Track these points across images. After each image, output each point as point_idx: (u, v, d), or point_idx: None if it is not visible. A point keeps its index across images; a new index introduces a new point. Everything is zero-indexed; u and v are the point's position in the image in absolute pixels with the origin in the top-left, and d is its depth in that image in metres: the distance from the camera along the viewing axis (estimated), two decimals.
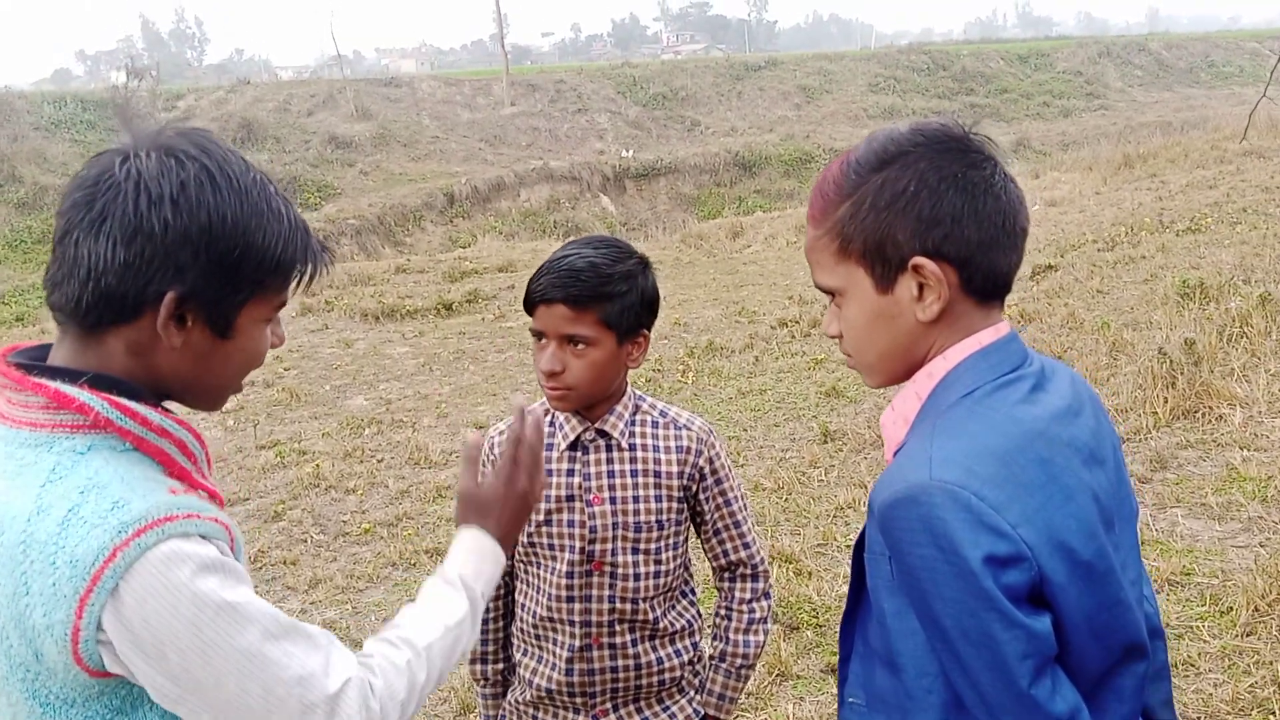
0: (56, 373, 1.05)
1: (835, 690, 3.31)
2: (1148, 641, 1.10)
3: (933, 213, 1.08)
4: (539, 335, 1.70)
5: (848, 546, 4.35)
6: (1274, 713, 2.87)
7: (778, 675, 3.40)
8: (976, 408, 1.07)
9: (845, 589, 3.94)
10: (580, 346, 1.66)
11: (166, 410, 1.09)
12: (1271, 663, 3.08)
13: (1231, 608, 3.40)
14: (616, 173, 28.07)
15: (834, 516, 4.67)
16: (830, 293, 1.18)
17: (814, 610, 3.81)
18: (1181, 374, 5.23)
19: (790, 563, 4.20)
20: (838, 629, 3.73)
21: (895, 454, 1.14)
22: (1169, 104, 37.13)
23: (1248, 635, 3.26)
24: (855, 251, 1.12)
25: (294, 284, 1.14)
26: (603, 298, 1.65)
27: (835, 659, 3.46)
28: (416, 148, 29.27)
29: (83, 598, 0.95)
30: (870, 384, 1.22)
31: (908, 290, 1.11)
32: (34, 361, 1.08)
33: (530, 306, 1.70)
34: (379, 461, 5.99)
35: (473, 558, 1.28)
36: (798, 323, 8.27)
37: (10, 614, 0.99)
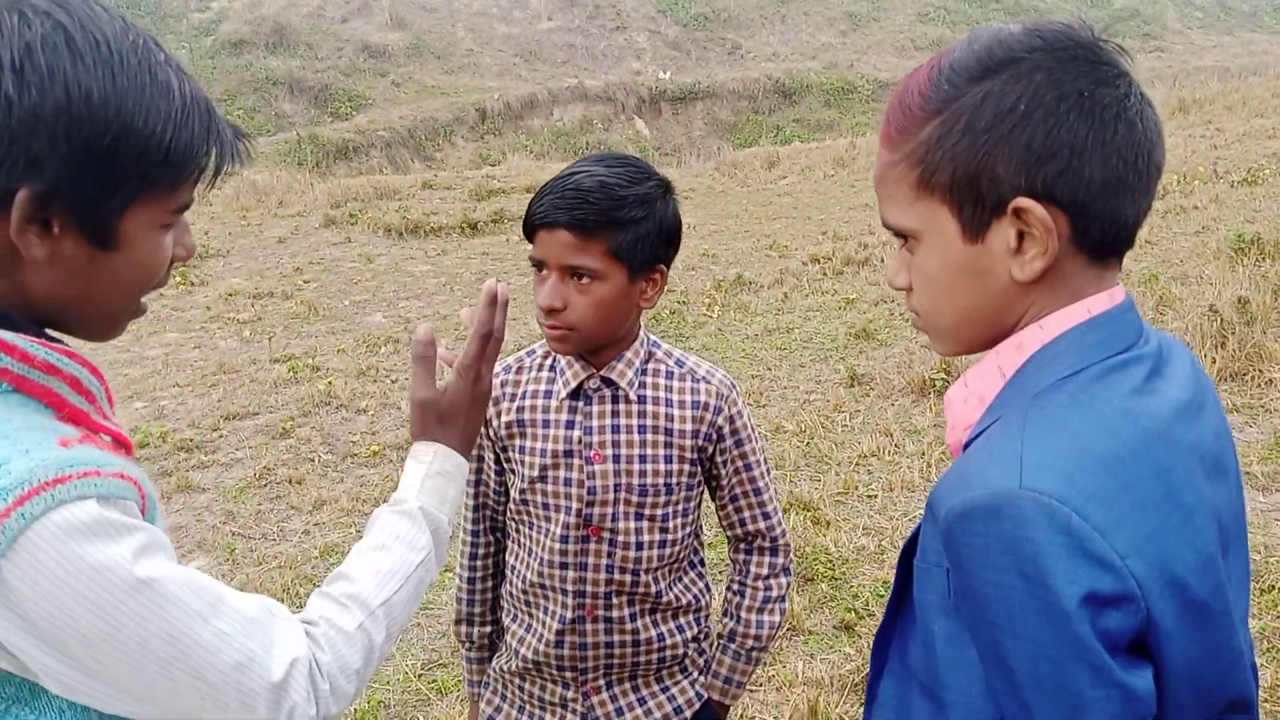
0: None
1: (848, 649, 3.17)
2: (1254, 695, 0.89)
3: (1047, 141, 0.84)
4: (539, 265, 1.47)
5: (869, 496, 4.19)
6: None
7: (789, 629, 3.26)
8: (1081, 396, 0.84)
9: (864, 540, 3.82)
10: (585, 280, 1.43)
11: (52, 341, 0.89)
12: None
13: (1274, 586, 3.21)
14: (652, 95, 27.46)
15: (856, 464, 4.50)
16: (901, 234, 0.94)
17: (830, 562, 3.66)
18: (1232, 334, 4.98)
19: (808, 510, 4.04)
20: (854, 582, 3.59)
21: (966, 444, 0.92)
22: (1229, 48, 35.75)
23: None
24: (940, 185, 0.88)
25: (194, 180, 0.92)
26: (613, 224, 1.41)
27: (850, 615, 3.32)
28: (450, 60, 28.73)
29: None
30: (941, 351, 0.99)
31: (1003, 239, 0.87)
32: None
33: (530, 231, 1.47)
34: (393, 382, 5.86)
35: (437, 482, 1.12)
36: (830, 259, 8.01)
37: None
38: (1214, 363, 4.91)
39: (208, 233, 10.27)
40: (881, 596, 3.43)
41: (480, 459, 1.68)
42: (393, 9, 29.91)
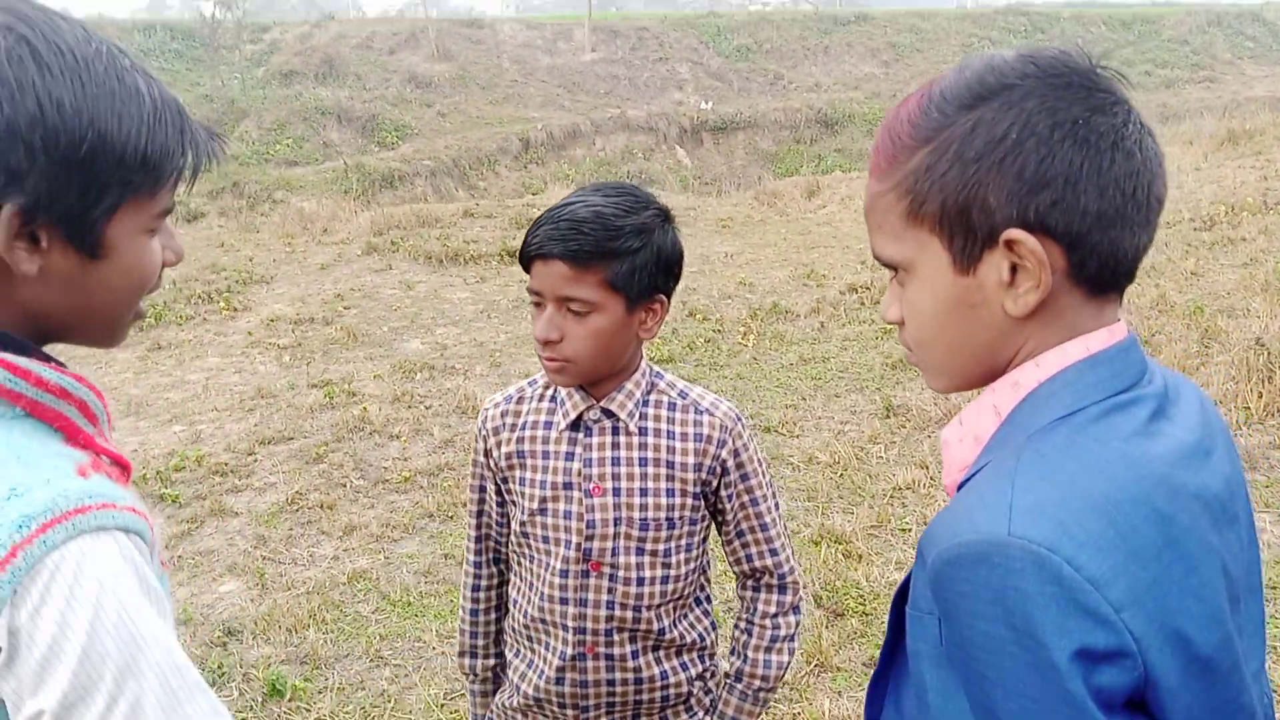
0: None
1: None
2: None
3: (1040, 170, 0.80)
4: (536, 295, 1.45)
5: (903, 530, 4.12)
6: None
7: (816, 665, 3.20)
8: (1078, 438, 0.80)
9: (897, 575, 3.74)
10: (581, 312, 1.41)
11: (62, 366, 0.89)
12: None
13: None
14: (694, 125, 27.57)
15: (891, 497, 4.43)
16: (892, 266, 0.91)
17: (861, 597, 3.60)
18: (1277, 369, 4.85)
19: (840, 543, 3.98)
20: (885, 618, 3.53)
21: (960, 484, 0.88)
22: None
23: None
24: (930, 215, 0.85)
25: (173, 182, 0.91)
26: (609, 255, 1.39)
27: (879, 651, 3.25)
28: (495, 91, 29.11)
29: None
30: (934, 387, 0.95)
31: (996, 272, 0.83)
32: None
33: (526, 262, 1.45)
34: (427, 408, 5.88)
35: None
36: (868, 289, 7.95)
37: None
38: (1260, 397, 4.79)
39: (252, 259, 10.44)
40: None
41: (481, 489, 1.66)
42: (439, 41, 30.42)
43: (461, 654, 1.72)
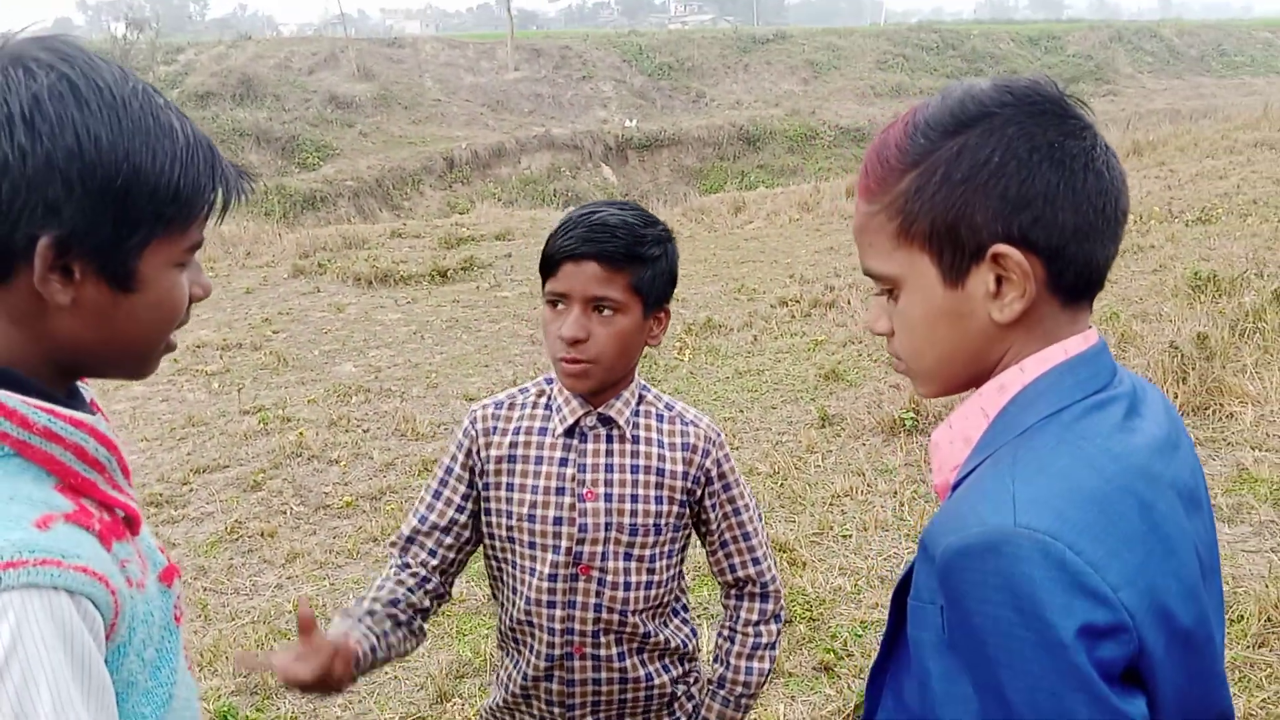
0: None
1: (828, 690, 3.18)
2: (1233, 714, 0.92)
3: (1021, 190, 0.88)
4: (557, 300, 1.48)
5: (844, 536, 4.21)
6: None
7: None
8: (1065, 435, 0.88)
9: (840, 581, 3.83)
10: (608, 313, 1.46)
11: (62, 408, 0.88)
12: None
13: (1243, 616, 3.26)
14: (619, 142, 27.76)
15: (830, 505, 4.52)
16: (882, 281, 0.98)
17: (808, 603, 3.67)
18: (1193, 369, 5.08)
19: (785, 552, 4.06)
20: (832, 623, 3.60)
21: (955, 484, 0.95)
22: (1179, 92, 36.78)
23: (1259, 647, 3.12)
24: (920, 234, 0.92)
25: (204, 217, 0.93)
26: (636, 259, 1.46)
27: (829, 655, 3.32)
28: (418, 110, 28.94)
29: None
30: (923, 393, 1.02)
31: (983, 284, 0.91)
32: None
33: (553, 266, 1.48)
34: (365, 431, 5.83)
35: None
36: (798, 302, 8.10)
37: None
38: (1176, 398, 5.01)
39: None
40: (860, 636, 3.44)
41: (437, 493, 1.61)
42: (359, 60, 30.14)
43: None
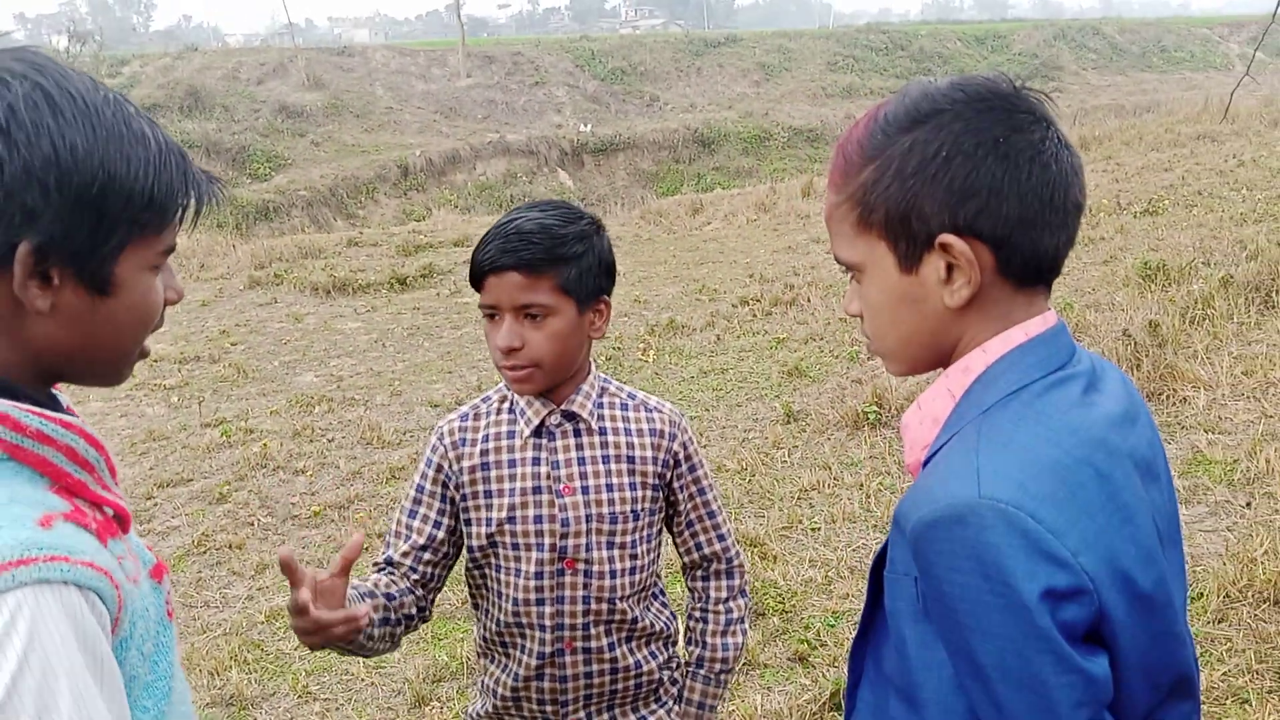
0: None
1: (803, 679, 3.22)
2: (1196, 674, 0.97)
3: (966, 183, 0.93)
4: (491, 312, 1.52)
5: (813, 529, 4.26)
6: (1249, 701, 2.83)
7: (745, 664, 3.30)
8: (1026, 411, 0.93)
9: (811, 573, 3.88)
10: (538, 317, 1.49)
11: (49, 410, 0.89)
12: (1244, 650, 3.03)
13: (1202, 594, 3.35)
14: (574, 147, 27.77)
15: (798, 499, 4.58)
16: (849, 267, 1.04)
17: (780, 596, 3.71)
18: (1146, 356, 5.21)
19: (755, 546, 4.10)
20: (804, 614, 3.64)
21: (925, 461, 0.99)
22: (1122, 88, 37.54)
23: (1219, 622, 3.21)
24: (877, 224, 0.98)
25: (177, 221, 0.95)
26: (558, 260, 1.48)
27: (803, 646, 3.37)
28: (370, 118, 28.74)
29: None
30: (891, 371, 1.08)
31: (935, 270, 0.96)
32: None
33: (478, 279, 1.52)
34: (329, 441, 5.79)
35: None
36: (759, 301, 8.17)
37: None
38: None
39: None
40: (832, 626, 3.49)
41: (412, 513, 1.63)
42: (309, 70, 29.87)
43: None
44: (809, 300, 7.98)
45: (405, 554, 1.62)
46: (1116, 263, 7.62)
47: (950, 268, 0.95)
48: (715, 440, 5.40)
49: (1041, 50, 41.92)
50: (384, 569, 1.64)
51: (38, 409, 0.88)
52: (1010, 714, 0.86)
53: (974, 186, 0.93)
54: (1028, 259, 0.96)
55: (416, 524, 1.63)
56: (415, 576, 1.62)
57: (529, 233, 1.48)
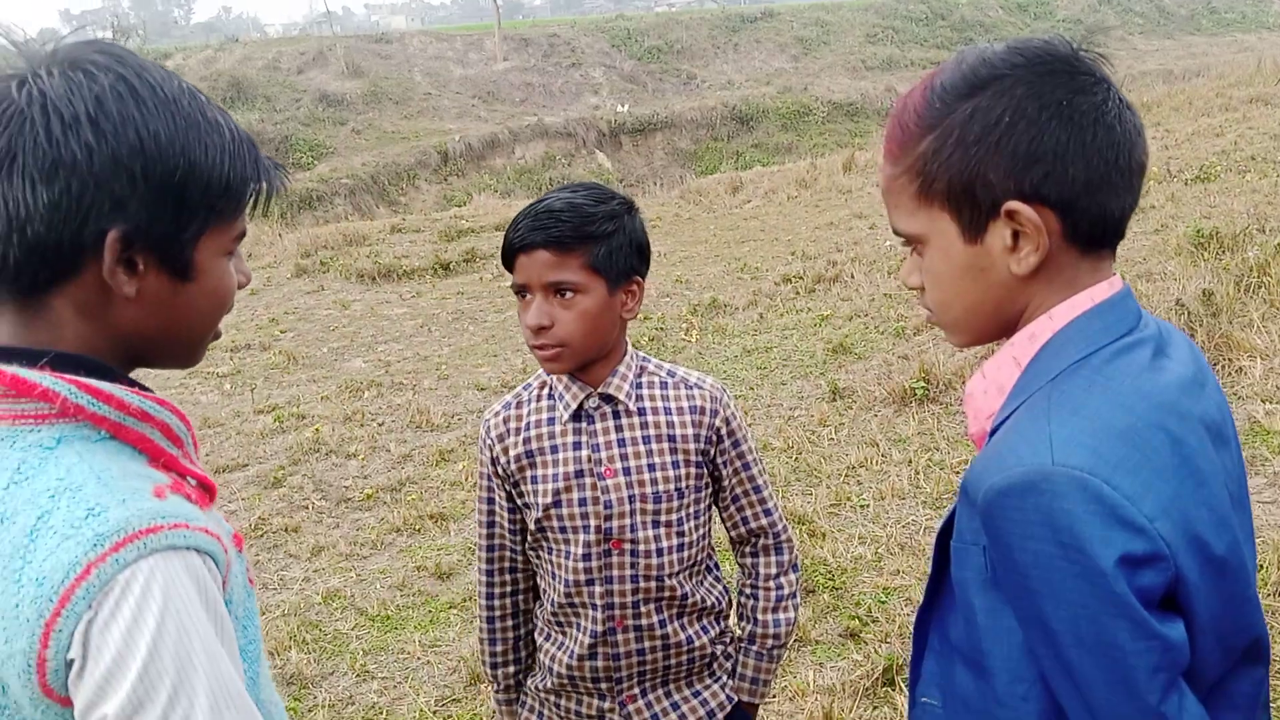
0: (11, 354, 0.89)
1: (855, 655, 3.22)
2: (1267, 636, 0.97)
3: (1031, 148, 0.92)
4: (522, 291, 1.53)
5: (861, 506, 4.26)
6: None
7: (796, 641, 3.31)
8: (1096, 377, 0.92)
9: (861, 550, 3.88)
10: (568, 295, 1.50)
11: (144, 389, 0.94)
12: None
13: (1261, 565, 3.30)
14: (612, 128, 27.72)
15: (846, 476, 4.57)
16: (909, 239, 1.03)
17: (829, 573, 3.72)
18: (1200, 326, 5.11)
19: (803, 524, 4.10)
20: (855, 591, 3.64)
21: (992, 429, 0.99)
22: (1170, 52, 36.68)
23: (1277, 595, 3.17)
24: (939, 194, 0.96)
25: (250, 207, 0.99)
26: (588, 239, 1.49)
27: (854, 623, 3.37)
28: (409, 105, 28.89)
29: (48, 622, 0.80)
30: (955, 343, 1.07)
31: (1000, 239, 0.95)
32: None
33: (509, 259, 1.53)
34: (380, 425, 5.87)
35: None
36: (802, 278, 8.13)
37: None
38: None
39: None
40: (883, 602, 3.48)
41: (490, 500, 1.70)
42: (348, 58, 30.07)
43: (484, 665, 1.77)
44: (852, 276, 7.93)
45: (500, 545, 1.72)
46: (1168, 231, 7.47)
47: (1016, 235, 0.95)
48: (760, 419, 5.39)
49: (1086, 15, 41.05)
50: (485, 576, 1.74)
51: (138, 388, 0.93)
52: (1084, 680, 0.86)
53: (1039, 151, 0.92)
54: (1094, 222, 0.95)
55: (498, 513, 1.70)
56: (516, 559, 1.73)
57: (559, 211, 1.49)
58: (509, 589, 1.75)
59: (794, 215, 11.84)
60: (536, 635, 1.74)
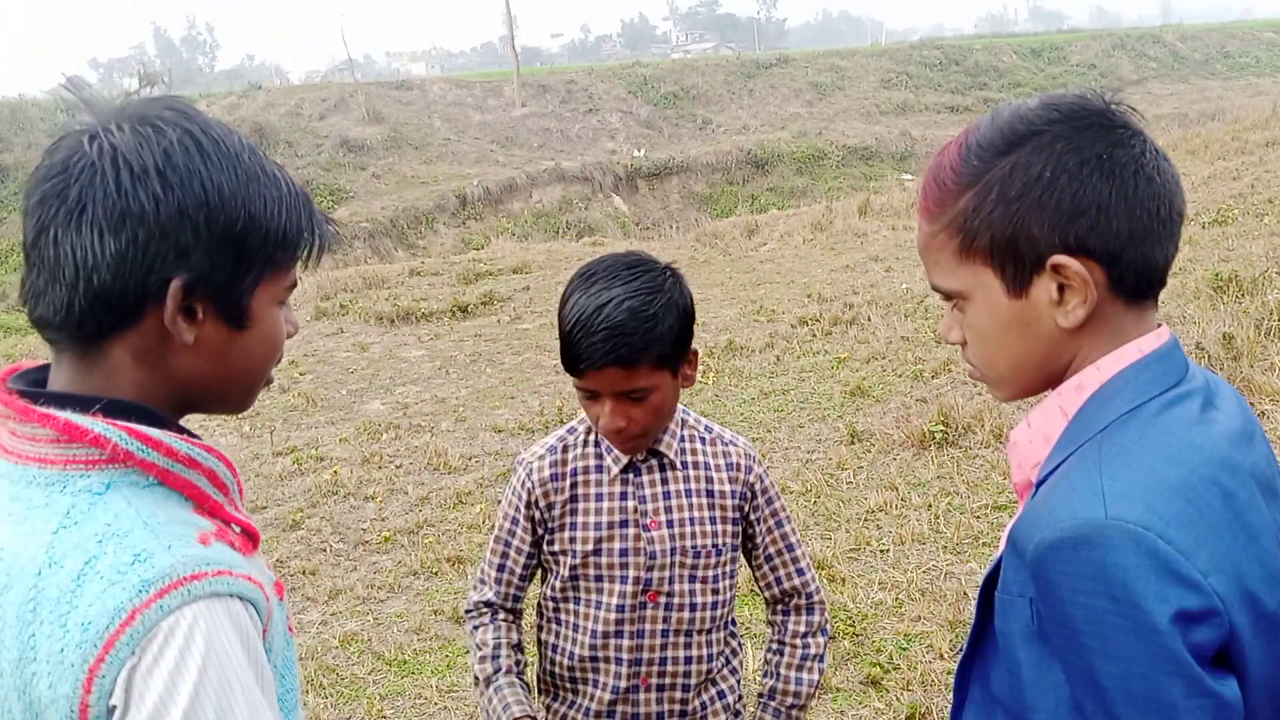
0: (66, 400, 0.91)
1: (876, 703, 3.19)
2: None
3: (1074, 202, 0.93)
4: (590, 393, 1.54)
5: (881, 551, 4.22)
6: None
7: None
8: (1148, 430, 0.92)
9: (881, 595, 3.85)
10: (640, 398, 1.51)
11: (193, 437, 0.96)
12: None
13: None
14: (629, 172, 27.93)
15: (865, 520, 4.54)
16: (949, 295, 1.03)
17: (850, 619, 3.68)
18: (1221, 369, 5.09)
19: (823, 569, 4.07)
20: (875, 637, 3.61)
21: (1038, 480, 0.98)
22: (1185, 96, 36.75)
23: None
24: (981, 250, 0.97)
25: (302, 257, 1.02)
26: (652, 344, 1.48)
27: (875, 669, 3.33)
28: (428, 150, 29.22)
29: (92, 668, 0.81)
30: (999, 397, 1.07)
31: (1045, 293, 0.96)
32: (38, 386, 0.95)
33: (575, 370, 1.52)
34: (398, 467, 5.89)
35: None
36: (818, 321, 8.13)
37: (15, 682, 0.85)
38: None
39: None
40: (904, 649, 3.45)
41: (508, 541, 1.69)
42: (369, 104, 30.47)
43: (482, 678, 1.68)
44: (869, 319, 7.93)
45: (505, 593, 1.70)
46: (1186, 275, 7.44)
47: (1062, 288, 0.95)
48: (778, 462, 5.38)
49: (1100, 61, 41.26)
50: (487, 616, 1.70)
51: (186, 435, 0.95)
52: None
53: (1082, 205, 0.93)
54: (1140, 273, 0.96)
55: (512, 554, 1.68)
56: (518, 607, 1.71)
57: (621, 324, 1.45)
58: (508, 617, 1.72)
59: (810, 258, 11.87)
60: (541, 696, 1.72)
